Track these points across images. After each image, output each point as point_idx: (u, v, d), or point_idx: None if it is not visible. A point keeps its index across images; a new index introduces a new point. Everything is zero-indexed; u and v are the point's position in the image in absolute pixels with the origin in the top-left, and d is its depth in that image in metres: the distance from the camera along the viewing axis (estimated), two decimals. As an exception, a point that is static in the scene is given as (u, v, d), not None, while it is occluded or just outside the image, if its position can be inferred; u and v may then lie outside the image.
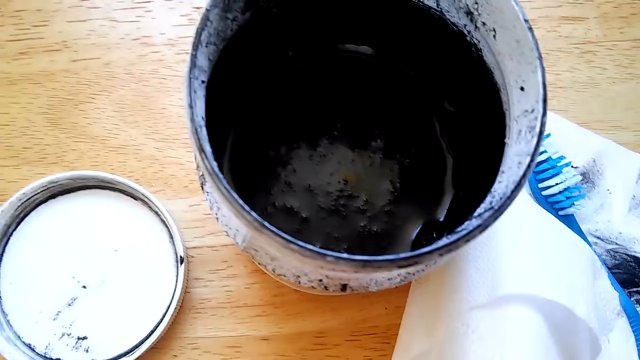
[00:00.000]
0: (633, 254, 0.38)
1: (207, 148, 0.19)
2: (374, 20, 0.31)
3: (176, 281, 0.39)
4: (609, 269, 0.38)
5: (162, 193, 0.42)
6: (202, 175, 0.25)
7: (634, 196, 0.40)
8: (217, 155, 0.31)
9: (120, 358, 0.38)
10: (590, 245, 0.38)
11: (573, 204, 0.38)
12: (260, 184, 0.33)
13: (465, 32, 0.26)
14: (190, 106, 0.19)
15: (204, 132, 0.20)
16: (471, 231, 0.20)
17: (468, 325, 0.28)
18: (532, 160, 0.20)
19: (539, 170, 0.38)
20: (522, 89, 0.22)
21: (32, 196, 0.40)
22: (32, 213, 0.41)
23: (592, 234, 0.39)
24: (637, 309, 0.38)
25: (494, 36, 0.24)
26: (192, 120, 0.19)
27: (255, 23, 0.26)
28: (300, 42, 0.32)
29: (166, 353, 0.40)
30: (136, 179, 0.42)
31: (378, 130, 0.34)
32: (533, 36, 0.21)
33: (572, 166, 0.40)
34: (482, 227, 0.20)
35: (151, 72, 0.44)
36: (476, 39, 0.25)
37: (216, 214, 0.26)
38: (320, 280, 0.25)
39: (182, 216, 0.42)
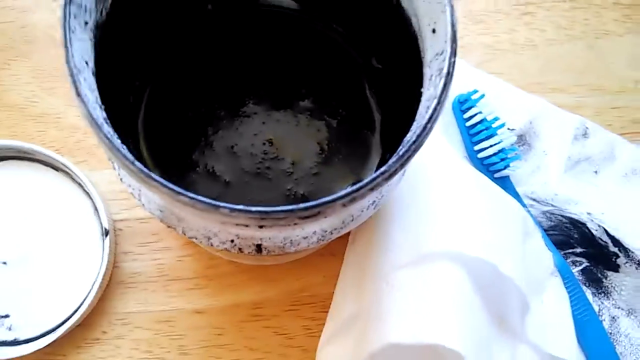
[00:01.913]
0: (568, 215, 0.38)
1: (86, 93, 0.18)
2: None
3: (102, 255, 0.37)
4: (545, 230, 0.38)
5: (85, 164, 0.40)
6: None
7: (569, 157, 0.39)
8: (132, 117, 0.30)
9: (44, 336, 0.36)
10: (525, 206, 0.37)
11: (508, 165, 0.37)
12: (179, 147, 0.31)
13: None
14: (66, 46, 0.17)
15: (82, 76, 0.18)
16: (374, 178, 0.18)
17: (392, 284, 0.27)
18: (439, 104, 0.19)
19: (474, 132, 0.38)
20: (433, 31, 0.21)
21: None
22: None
23: (528, 196, 0.39)
24: (572, 270, 0.38)
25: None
26: (68, 62, 0.17)
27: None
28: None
29: (94, 330, 0.38)
30: (57, 149, 0.39)
31: (305, 90, 0.32)
32: (441, -27, 0.20)
33: (508, 128, 0.40)
34: (387, 174, 0.19)
35: (73, 36, 0.41)
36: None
37: (119, 175, 0.24)
38: (232, 241, 0.24)
39: (109, 187, 0.40)
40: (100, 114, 0.18)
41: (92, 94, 0.18)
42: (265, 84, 0.32)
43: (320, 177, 0.31)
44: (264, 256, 0.31)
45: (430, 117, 0.19)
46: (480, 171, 0.38)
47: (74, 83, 0.17)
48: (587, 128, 0.40)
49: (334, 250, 0.38)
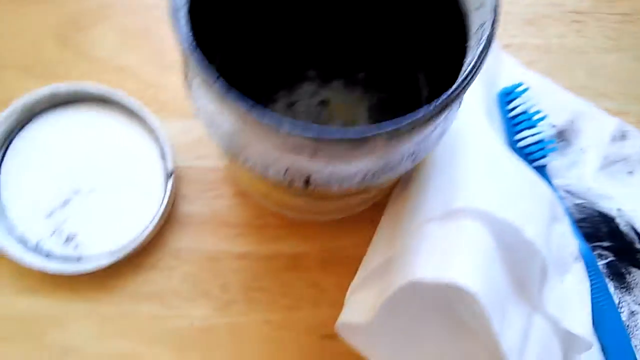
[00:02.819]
0: (599, 208, 0.40)
1: (184, 24, 0.21)
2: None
3: (164, 194, 0.41)
4: (575, 222, 0.40)
5: (158, 114, 0.44)
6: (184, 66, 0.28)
7: (606, 156, 0.41)
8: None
9: (105, 258, 0.40)
10: (558, 196, 0.40)
11: (545, 155, 0.39)
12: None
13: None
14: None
15: (183, 13, 0.22)
16: (416, 119, 0.22)
17: (421, 236, 0.30)
18: (474, 67, 0.22)
19: (516, 123, 0.40)
20: (480, 5, 0.24)
21: (35, 104, 0.42)
22: (34, 119, 0.43)
23: (563, 188, 0.41)
24: (598, 263, 0.40)
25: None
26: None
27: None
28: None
29: (149, 259, 0.42)
30: (137, 98, 0.44)
31: (361, 62, 0.36)
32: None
33: (550, 124, 0.42)
34: (426, 117, 0.22)
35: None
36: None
37: (198, 108, 0.28)
38: (285, 172, 0.27)
39: (176, 138, 0.44)
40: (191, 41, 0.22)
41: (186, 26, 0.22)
42: (326, 53, 0.35)
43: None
44: (310, 202, 0.35)
45: (467, 76, 0.22)
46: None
47: (176, 19, 0.21)
48: (626, 131, 0.42)
49: (373, 217, 0.41)
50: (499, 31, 0.45)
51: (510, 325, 0.30)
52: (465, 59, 0.26)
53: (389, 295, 0.29)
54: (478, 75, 0.22)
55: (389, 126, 0.22)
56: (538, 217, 0.32)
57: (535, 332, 0.32)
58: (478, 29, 0.24)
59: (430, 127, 0.24)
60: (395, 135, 0.22)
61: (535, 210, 0.32)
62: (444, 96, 0.22)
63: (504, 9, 0.46)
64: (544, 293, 0.33)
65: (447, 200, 0.30)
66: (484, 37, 0.22)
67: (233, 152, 0.28)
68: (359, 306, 0.34)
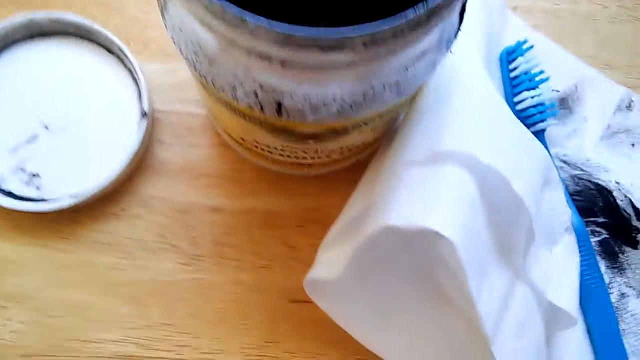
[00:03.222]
0: (596, 180, 0.37)
1: None
2: None
3: (137, 136, 0.39)
4: (570, 195, 0.37)
5: (139, 53, 0.41)
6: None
7: (609, 126, 0.39)
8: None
9: (67, 199, 0.38)
10: (554, 165, 0.37)
11: (544, 119, 0.37)
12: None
13: None
14: None
15: None
16: (397, 23, 0.19)
17: (402, 180, 0.27)
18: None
19: (517, 84, 0.38)
20: None
21: (10, 32, 0.40)
22: (8, 49, 0.41)
23: (560, 158, 0.38)
24: (590, 240, 0.37)
25: None
26: None
27: None
28: None
29: (115, 205, 0.40)
30: (116, 35, 0.41)
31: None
32: None
33: (552, 89, 0.39)
34: (412, 21, 0.19)
35: None
36: None
37: (169, 20, 0.25)
38: (256, 95, 0.25)
39: (156, 79, 0.41)
40: None
41: None
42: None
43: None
44: (287, 143, 0.32)
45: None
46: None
47: None
48: (632, 100, 0.39)
49: (355, 177, 0.39)
50: (507, -8, 0.43)
51: (490, 289, 0.27)
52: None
53: (361, 243, 0.27)
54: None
55: (367, 28, 0.19)
56: (530, 174, 0.29)
57: (517, 300, 0.29)
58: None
59: (415, 45, 0.21)
60: (375, 40, 0.19)
61: (527, 167, 0.29)
62: (430, 2, 0.19)
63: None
64: (530, 261, 0.31)
65: (433, 142, 0.27)
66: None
67: (202, 70, 0.25)
68: (330, 261, 0.31)
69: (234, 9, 0.19)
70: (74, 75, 0.40)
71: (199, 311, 0.38)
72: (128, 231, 0.39)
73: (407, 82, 0.25)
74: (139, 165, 0.40)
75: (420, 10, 0.19)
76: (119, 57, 0.41)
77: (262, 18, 0.19)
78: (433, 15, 0.20)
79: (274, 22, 0.19)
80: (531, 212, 0.28)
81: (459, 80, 0.30)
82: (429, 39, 0.23)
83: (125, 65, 0.41)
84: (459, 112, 0.28)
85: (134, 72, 0.40)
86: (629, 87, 0.41)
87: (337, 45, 0.19)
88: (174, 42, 0.26)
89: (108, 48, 0.41)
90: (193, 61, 0.26)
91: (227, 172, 0.40)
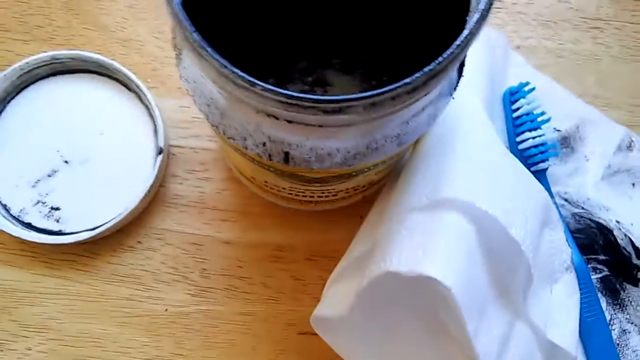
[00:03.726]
0: (597, 219, 0.38)
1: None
2: None
3: (153, 171, 0.40)
4: (571, 232, 0.38)
5: (155, 90, 0.43)
6: (175, 40, 0.27)
7: (610, 165, 0.39)
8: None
9: (85, 232, 0.39)
10: (556, 204, 0.38)
11: (546, 159, 0.38)
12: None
13: None
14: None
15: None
16: (395, 88, 0.20)
17: (404, 225, 0.29)
18: (465, 39, 0.21)
19: (519, 124, 0.39)
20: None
21: (34, 69, 0.42)
22: (32, 85, 0.43)
23: (561, 196, 0.39)
24: (592, 277, 0.38)
25: None
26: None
27: None
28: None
29: (132, 238, 0.41)
30: (134, 72, 0.43)
31: (363, 46, 0.34)
32: None
33: (555, 129, 0.40)
34: (410, 86, 0.20)
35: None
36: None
37: (184, 76, 0.27)
38: (264, 145, 0.26)
39: (171, 115, 0.43)
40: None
41: None
42: (324, 37, 0.34)
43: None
44: (295, 185, 0.33)
45: (456, 48, 0.21)
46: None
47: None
48: (632, 140, 0.40)
49: (362, 212, 0.40)
50: (511, 32, 0.44)
51: (488, 329, 0.28)
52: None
53: (364, 285, 0.28)
54: (469, 50, 0.21)
55: (368, 94, 0.20)
56: (528, 218, 0.30)
57: (517, 340, 0.30)
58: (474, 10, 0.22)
59: (415, 103, 0.23)
60: (374, 105, 0.21)
61: (526, 210, 0.30)
62: (429, 66, 0.21)
63: (518, 9, 0.45)
64: (529, 300, 0.31)
65: (434, 189, 0.29)
66: (481, 6, 0.21)
67: (214, 121, 0.27)
68: (336, 299, 0.32)
69: (244, 75, 0.20)
70: (93, 111, 0.42)
71: (209, 342, 0.39)
72: (143, 264, 0.41)
73: (408, 134, 0.26)
74: (154, 199, 0.42)
75: (418, 77, 0.20)
76: (137, 94, 0.42)
77: (269, 86, 0.20)
78: (431, 79, 0.21)
79: (281, 89, 0.20)
80: (529, 256, 0.29)
81: (460, 125, 0.31)
82: (429, 96, 0.25)
83: (142, 102, 0.42)
84: (458, 158, 0.30)
85: (150, 109, 0.41)
86: (630, 126, 0.42)
87: (339, 110, 0.21)
88: (188, 92, 0.28)
89: (127, 85, 0.43)
90: (205, 112, 0.27)
91: (238, 206, 0.42)
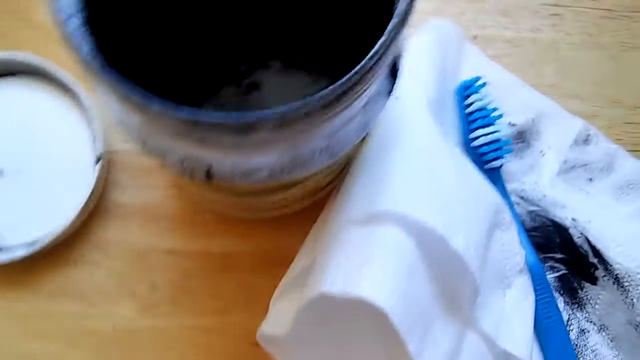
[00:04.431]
0: (553, 218, 0.37)
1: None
2: None
3: (92, 180, 0.38)
4: (527, 231, 0.37)
5: (95, 93, 0.41)
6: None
7: (566, 160, 0.38)
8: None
9: (24, 247, 0.37)
10: (510, 202, 0.37)
11: (500, 157, 0.36)
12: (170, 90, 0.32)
13: None
14: None
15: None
16: (308, 103, 0.19)
17: (340, 240, 0.27)
18: (386, 40, 0.19)
19: (472, 120, 0.37)
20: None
21: (-38, 73, 0.39)
22: (-43, 92, 0.40)
23: (517, 194, 0.38)
24: (548, 276, 0.37)
25: None
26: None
27: None
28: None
29: (74, 252, 0.39)
30: (72, 73, 0.41)
31: (299, 46, 0.32)
32: None
33: (510, 123, 0.39)
34: (322, 102, 0.19)
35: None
36: None
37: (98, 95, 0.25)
38: (183, 163, 0.24)
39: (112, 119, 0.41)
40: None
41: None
42: (257, 38, 0.32)
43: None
44: (230, 198, 0.32)
45: (375, 53, 0.19)
46: (473, 160, 0.37)
47: None
48: (589, 134, 0.38)
49: (313, 216, 0.38)
50: (469, 21, 0.42)
51: (434, 345, 0.27)
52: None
53: (302, 306, 0.26)
54: (384, 59, 0.19)
55: (276, 111, 0.19)
56: (474, 225, 0.29)
57: (467, 351, 0.29)
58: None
59: (335, 118, 0.21)
60: (285, 123, 0.19)
61: (471, 217, 0.29)
62: (340, 82, 0.19)
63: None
64: (480, 309, 0.30)
65: (370, 202, 0.27)
66: (397, 13, 0.19)
67: (132, 138, 0.25)
68: (279, 316, 0.31)
69: (137, 95, 0.18)
70: (27, 117, 0.40)
71: (158, 358, 0.38)
72: (87, 278, 0.39)
73: (338, 145, 0.25)
74: (95, 209, 0.40)
75: (328, 93, 0.19)
76: (74, 97, 0.40)
77: (168, 103, 0.18)
78: (345, 94, 0.19)
79: (178, 108, 0.18)
80: (472, 267, 0.27)
81: (401, 130, 0.29)
82: (354, 106, 0.23)
83: (80, 104, 0.40)
84: (397, 167, 0.28)
85: (88, 112, 0.39)
86: (591, 116, 0.41)
87: (246, 129, 0.19)
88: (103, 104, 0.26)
89: (63, 87, 0.40)
90: (120, 125, 0.25)
91: (183, 214, 0.40)
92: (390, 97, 0.26)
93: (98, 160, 0.38)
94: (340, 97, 0.19)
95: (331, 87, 0.19)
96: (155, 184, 0.40)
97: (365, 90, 0.21)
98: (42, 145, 0.39)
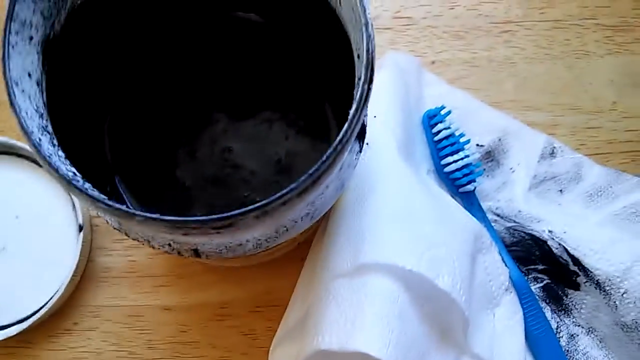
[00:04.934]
0: (530, 232, 0.38)
1: (20, 104, 0.19)
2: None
3: (76, 249, 0.39)
4: (507, 246, 0.38)
5: (68, 161, 0.41)
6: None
7: (536, 175, 0.40)
8: (97, 121, 0.31)
9: (17, 324, 0.37)
10: (488, 222, 0.38)
11: (472, 180, 0.38)
12: (142, 151, 0.32)
13: (327, 0, 0.25)
14: (3, 60, 0.19)
15: (21, 88, 0.19)
16: (285, 194, 0.19)
17: (330, 293, 0.28)
18: (349, 127, 0.20)
19: (441, 147, 0.38)
20: (358, 56, 0.22)
21: None
22: None
23: (492, 212, 0.39)
24: (532, 287, 0.38)
25: (340, 3, 0.23)
26: (4, 74, 0.19)
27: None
28: (187, 7, 0.32)
29: (66, 320, 0.40)
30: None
31: (266, 100, 0.33)
32: (361, 3, 0.21)
33: (477, 144, 0.40)
34: (298, 190, 0.20)
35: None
36: (333, 7, 0.25)
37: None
38: (170, 245, 0.25)
39: (89, 184, 0.41)
40: (36, 123, 0.20)
41: (31, 104, 0.20)
42: (227, 94, 0.33)
43: (277, 185, 0.32)
44: (216, 258, 0.32)
45: (340, 139, 0.20)
46: (446, 185, 0.39)
47: (8, 94, 0.19)
48: (554, 147, 0.40)
49: (303, 254, 0.39)
50: (424, 48, 0.44)
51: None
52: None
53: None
54: (350, 141, 0.20)
55: (256, 206, 0.19)
56: (456, 259, 0.30)
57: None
58: (357, 82, 0.22)
59: (311, 194, 0.22)
60: (265, 212, 0.20)
61: (453, 252, 0.30)
62: (313, 169, 0.20)
63: (428, 23, 0.44)
64: (471, 333, 0.31)
65: (355, 254, 0.28)
66: (355, 100, 0.20)
67: (114, 227, 0.26)
68: (280, 365, 0.32)
69: (121, 208, 0.19)
70: (3, 194, 0.40)
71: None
72: (84, 344, 0.39)
73: (318, 209, 0.26)
74: (84, 276, 0.40)
75: (301, 184, 0.19)
76: (48, 169, 0.40)
77: (151, 215, 0.19)
78: (318, 180, 0.20)
79: (161, 215, 0.19)
80: (460, 301, 0.28)
81: (376, 177, 0.31)
82: (328, 178, 0.24)
83: (56, 177, 0.40)
84: (375, 216, 0.29)
85: (65, 183, 0.40)
86: (552, 126, 0.43)
87: (229, 225, 0.20)
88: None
89: (36, 162, 0.40)
90: (104, 218, 0.26)
91: (173, 269, 0.41)
92: (360, 154, 0.27)
93: (81, 228, 0.38)
94: (315, 182, 0.20)
95: (305, 176, 0.20)
96: (139, 244, 0.41)
97: (337, 167, 0.21)
98: (25, 220, 0.40)
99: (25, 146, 0.39)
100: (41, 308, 0.37)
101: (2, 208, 0.40)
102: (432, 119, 0.39)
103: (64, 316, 0.39)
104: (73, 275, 0.38)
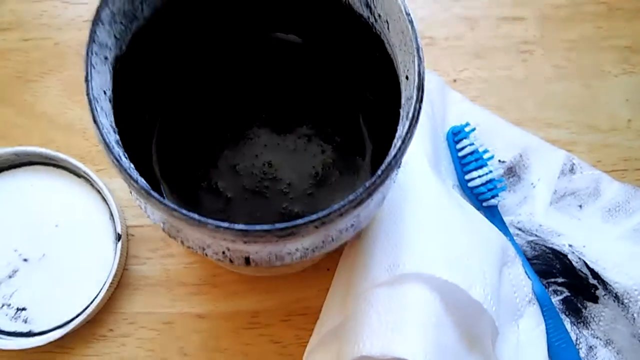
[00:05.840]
0: (551, 246, 0.40)
1: (101, 120, 0.21)
2: (299, 10, 0.32)
3: (114, 257, 0.40)
4: (529, 259, 0.40)
5: (105, 172, 0.43)
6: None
7: (556, 191, 0.41)
8: (146, 138, 0.33)
9: (56, 329, 0.39)
10: (510, 235, 0.39)
11: (495, 195, 0.39)
12: (188, 165, 0.34)
13: (370, 23, 0.27)
14: (87, 80, 0.21)
15: (100, 105, 0.21)
16: (343, 206, 0.21)
17: (369, 302, 0.30)
18: (402, 144, 0.22)
19: (465, 163, 0.40)
20: (407, 77, 0.24)
21: (-23, 171, 0.41)
22: (-23, 187, 0.42)
23: (514, 226, 0.41)
24: (553, 299, 0.39)
25: (388, 27, 0.25)
26: (88, 94, 0.20)
27: (174, 8, 0.28)
28: (230, 29, 0.34)
29: (102, 327, 0.41)
30: (81, 156, 0.43)
31: (304, 117, 0.35)
32: (413, 27, 0.22)
33: (499, 160, 0.42)
34: (354, 202, 0.21)
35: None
36: (378, 30, 0.27)
37: (131, 192, 0.27)
38: (224, 253, 0.26)
39: (124, 195, 0.43)
40: (112, 137, 0.21)
41: (107, 120, 0.22)
42: (268, 111, 0.35)
43: (313, 198, 0.34)
44: (258, 268, 0.34)
45: (395, 155, 0.21)
46: (470, 199, 0.40)
47: (92, 111, 0.20)
48: (573, 164, 0.42)
49: (329, 264, 0.41)
50: (446, 66, 0.45)
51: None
52: (397, 126, 0.25)
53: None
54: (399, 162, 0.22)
55: (317, 217, 0.21)
56: (487, 271, 0.31)
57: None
58: (406, 102, 0.23)
59: (362, 206, 0.23)
60: (324, 222, 0.22)
61: (483, 263, 0.32)
62: (369, 182, 0.21)
63: (450, 43, 0.46)
64: (497, 344, 0.33)
65: (393, 264, 0.30)
66: (408, 118, 0.22)
67: (170, 234, 0.27)
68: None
69: (195, 217, 0.21)
70: (45, 204, 0.42)
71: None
72: (118, 351, 0.40)
73: (362, 221, 0.27)
74: (120, 284, 0.41)
75: (362, 195, 0.21)
76: (86, 179, 0.42)
77: (222, 224, 0.21)
78: (374, 191, 0.22)
79: (232, 225, 0.21)
80: (491, 311, 0.30)
81: (410, 191, 0.32)
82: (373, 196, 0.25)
83: (93, 187, 0.42)
84: (412, 228, 0.31)
85: (102, 193, 0.41)
86: (572, 142, 0.44)
87: (290, 234, 0.21)
88: (141, 208, 0.28)
89: (75, 172, 0.42)
90: (162, 225, 0.27)
91: (206, 278, 0.42)
92: (400, 168, 0.29)
93: (119, 237, 0.40)
94: (368, 196, 0.22)
95: (360, 191, 0.21)
96: (174, 252, 0.42)
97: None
98: (64, 229, 0.41)
99: (65, 157, 0.40)
100: (80, 314, 0.39)
101: (42, 217, 0.41)
102: (457, 135, 0.41)
103: (100, 323, 0.41)
104: (110, 283, 0.39)
